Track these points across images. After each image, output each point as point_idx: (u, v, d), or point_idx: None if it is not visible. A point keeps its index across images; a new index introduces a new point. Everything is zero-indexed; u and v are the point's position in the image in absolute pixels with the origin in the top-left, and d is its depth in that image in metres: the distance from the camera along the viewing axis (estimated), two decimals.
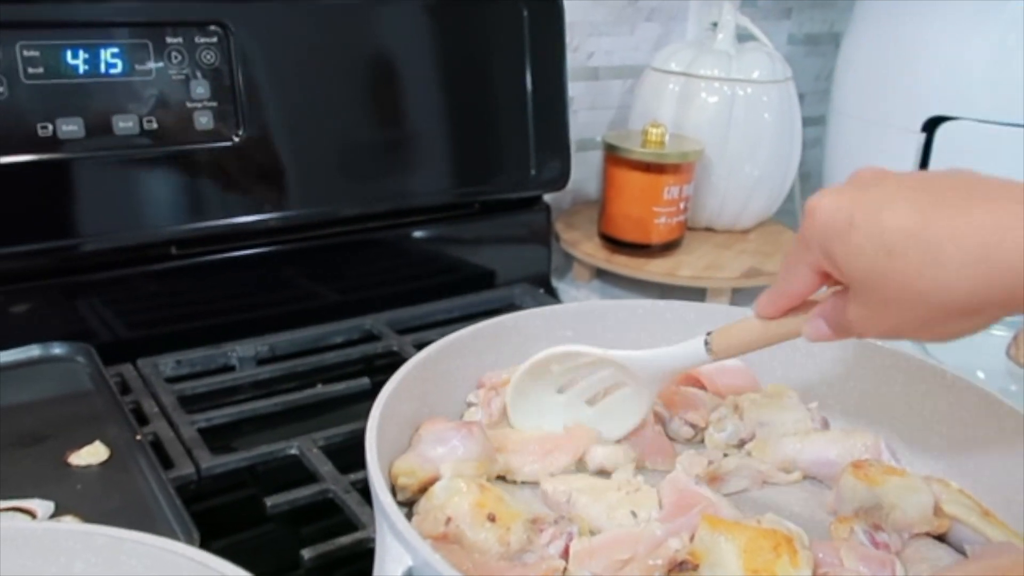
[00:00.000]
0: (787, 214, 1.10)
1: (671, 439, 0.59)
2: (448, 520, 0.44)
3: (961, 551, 0.47)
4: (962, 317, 0.37)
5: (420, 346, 0.57)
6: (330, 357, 0.73)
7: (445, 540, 0.44)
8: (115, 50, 0.66)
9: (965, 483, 0.51)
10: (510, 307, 0.84)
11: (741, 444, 0.57)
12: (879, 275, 0.37)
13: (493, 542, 0.43)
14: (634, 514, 0.48)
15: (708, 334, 0.50)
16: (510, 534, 0.44)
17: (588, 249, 0.96)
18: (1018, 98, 0.80)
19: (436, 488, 0.47)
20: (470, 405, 0.58)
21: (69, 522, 0.47)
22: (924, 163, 0.88)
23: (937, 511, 0.48)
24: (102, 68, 0.65)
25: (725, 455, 0.56)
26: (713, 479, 0.53)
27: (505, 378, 0.59)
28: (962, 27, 0.83)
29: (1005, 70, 0.81)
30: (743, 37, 1.02)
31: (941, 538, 0.48)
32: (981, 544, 0.46)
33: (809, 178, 1.23)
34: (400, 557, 0.37)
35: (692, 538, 0.44)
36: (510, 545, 0.43)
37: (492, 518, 0.44)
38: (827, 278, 0.42)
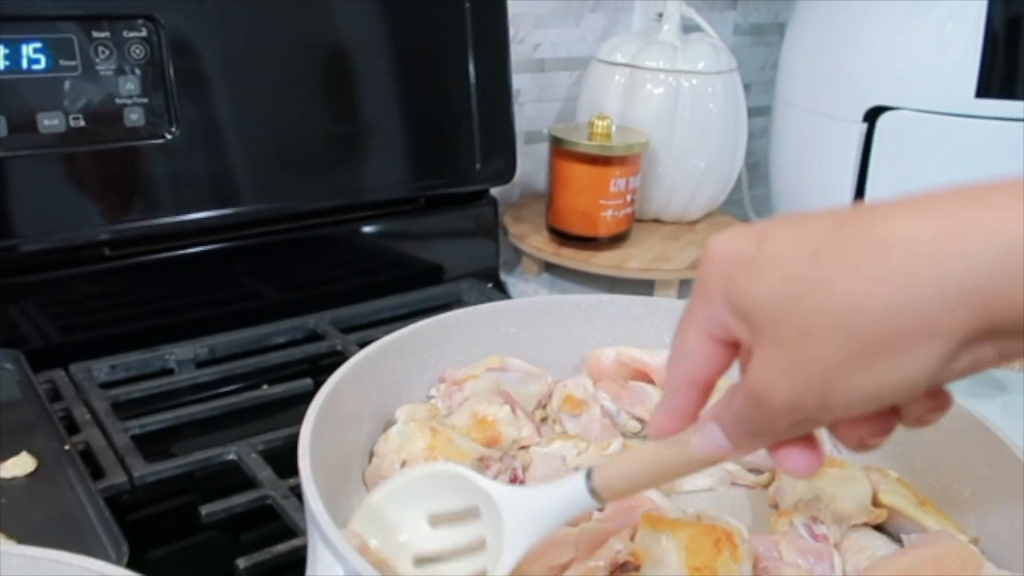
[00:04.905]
0: (734, 205, 1.11)
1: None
2: (403, 463, 0.49)
3: (899, 541, 0.47)
4: (885, 353, 0.27)
5: (365, 345, 0.56)
6: (272, 358, 0.71)
7: None
8: (37, 45, 0.63)
9: (903, 472, 0.52)
10: (458, 303, 0.83)
11: None
12: (798, 289, 0.28)
13: None
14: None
15: (589, 471, 0.38)
16: None
17: (536, 243, 0.95)
18: (955, 88, 0.81)
19: (391, 432, 0.51)
20: (430, 398, 0.59)
21: None
22: (866, 152, 0.89)
23: (875, 501, 0.49)
24: (24, 64, 0.63)
25: None
26: None
27: (465, 375, 0.58)
28: (900, 17, 0.84)
29: (942, 60, 0.82)
30: (688, 28, 1.02)
31: (879, 528, 0.48)
32: (917, 534, 0.46)
33: (756, 168, 1.24)
34: (331, 567, 0.36)
35: (633, 538, 0.44)
36: None
37: None
38: (731, 348, 0.33)
